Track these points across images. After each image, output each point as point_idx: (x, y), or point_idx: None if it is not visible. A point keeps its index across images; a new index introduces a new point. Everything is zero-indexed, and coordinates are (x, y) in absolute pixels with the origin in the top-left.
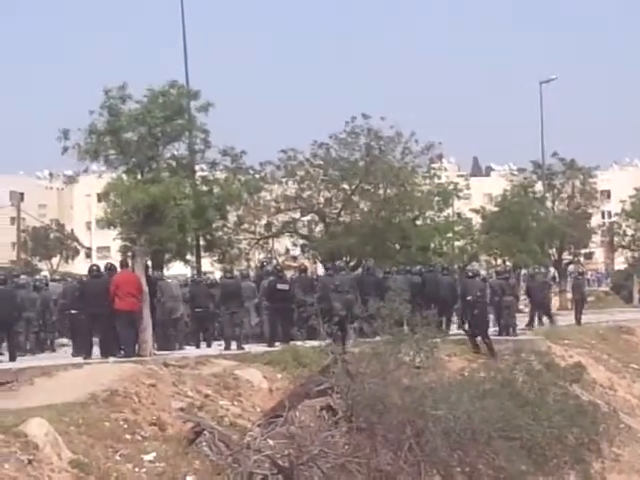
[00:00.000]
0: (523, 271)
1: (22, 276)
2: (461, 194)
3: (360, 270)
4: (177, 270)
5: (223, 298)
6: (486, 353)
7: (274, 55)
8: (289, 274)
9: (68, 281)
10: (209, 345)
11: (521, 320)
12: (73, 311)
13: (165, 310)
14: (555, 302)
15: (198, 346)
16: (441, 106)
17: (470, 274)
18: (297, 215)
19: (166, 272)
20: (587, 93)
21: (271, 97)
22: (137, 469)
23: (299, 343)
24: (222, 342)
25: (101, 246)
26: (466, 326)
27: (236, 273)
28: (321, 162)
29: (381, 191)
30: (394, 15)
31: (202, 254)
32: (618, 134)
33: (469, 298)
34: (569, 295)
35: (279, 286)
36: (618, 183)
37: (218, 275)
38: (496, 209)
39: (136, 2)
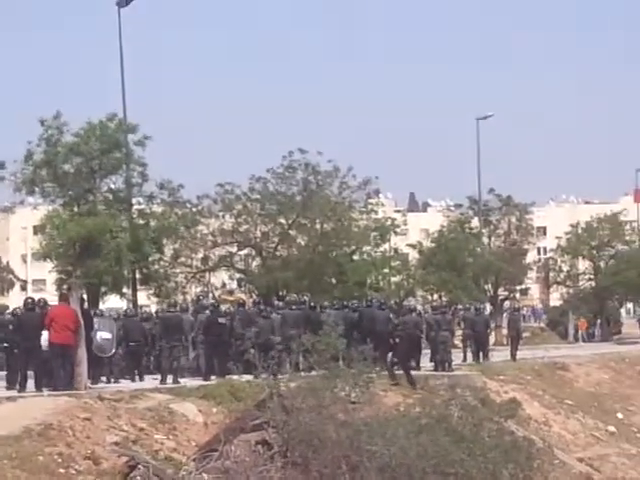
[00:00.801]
0: (459, 306)
1: None
2: (398, 229)
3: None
4: (113, 303)
5: (164, 331)
6: (422, 388)
7: (212, 91)
8: (225, 308)
9: (3, 314)
10: (142, 379)
11: (456, 355)
12: (6, 344)
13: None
14: (491, 338)
15: (133, 380)
16: (378, 141)
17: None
18: (234, 249)
19: (102, 305)
20: (524, 130)
21: (209, 131)
22: None
23: (235, 377)
24: (157, 375)
25: (37, 279)
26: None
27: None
28: (258, 196)
29: (318, 226)
30: (332, 47)
31: (138, 287)
32: (554, 171)
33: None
34: (504, 331)
35: (220, 320)
36: (554, 219)
37: (154, 309)
38: (433, 245)
39: (74, 39)
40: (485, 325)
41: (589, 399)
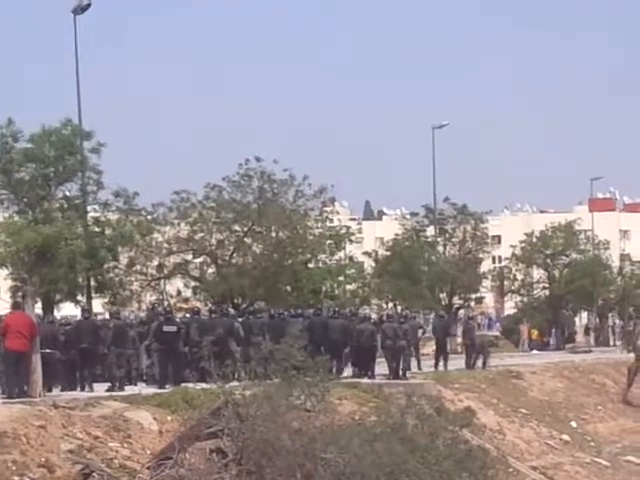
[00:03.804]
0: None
1: None
2: (353, 238)
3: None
4: (67, 311)
5: (113, 338)
6: (377, 396)
7: (167, 97)
8: (180, 316)
9: None
10: (91, 387)
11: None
12: None
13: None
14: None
15: (75, 387)
16: (333, 149)
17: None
18: (189, 257)
19: (57, 313)
20: (479, 140)
21: (165, 138)
22: None
23: (191, 385)
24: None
25: None
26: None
27: (126, 314)
28: (214, 204)
29: (273, 233)
30: (286, 53)
31: (93, 295)
32: (509, 180)
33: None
34: (459, 339)
35: (165, 328)
36: (509, 228)
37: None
38: (388, 253)
39: (30, 47)
40: (444, 331)
41: (543, 408)
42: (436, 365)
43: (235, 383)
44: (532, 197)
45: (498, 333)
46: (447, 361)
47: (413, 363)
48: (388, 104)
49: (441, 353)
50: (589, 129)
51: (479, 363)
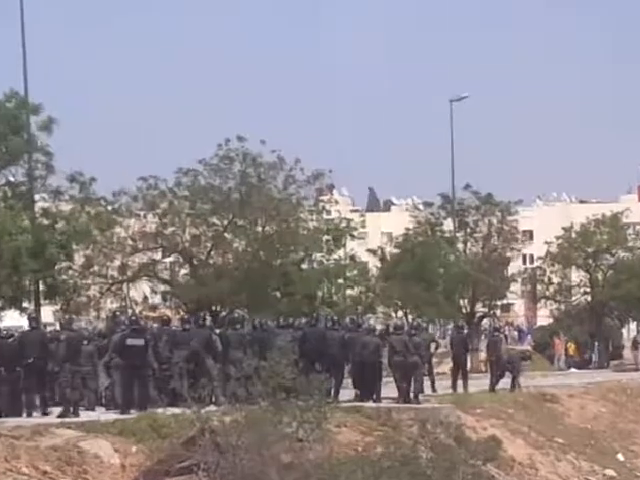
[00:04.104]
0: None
1: None
2: (355, 232)
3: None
4: (11, 321)
5: (66, 354)
6: (384, 423)
7: (131, 65)
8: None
9: None
10: (45, 411)
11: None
12: None
13: None
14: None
15: (29, 413)
16: (332, 128)
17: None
18: (158, 256)
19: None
20: (506, 117)
21: (128, 114)
22: None
23: (159, 410)
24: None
25: None
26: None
27: (82, 324)
28: (187, 192)
29: (259, 228)
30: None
31: (42, 302)
32: (542, 164)
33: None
34: (482, 355)
35: (129, 341)
36: (543, 222)
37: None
38: (397, 251)
39: None
40: (463, 346)
41: (583, 437)
42: (454, 386)
43: (213, 407)
44: (570, 184)
45: (529, 347)
46: (467, 381)
47: (426, 384)
48: (396, 72)
49: (460, 372)
50: (637, 105)
51: (504, 381)
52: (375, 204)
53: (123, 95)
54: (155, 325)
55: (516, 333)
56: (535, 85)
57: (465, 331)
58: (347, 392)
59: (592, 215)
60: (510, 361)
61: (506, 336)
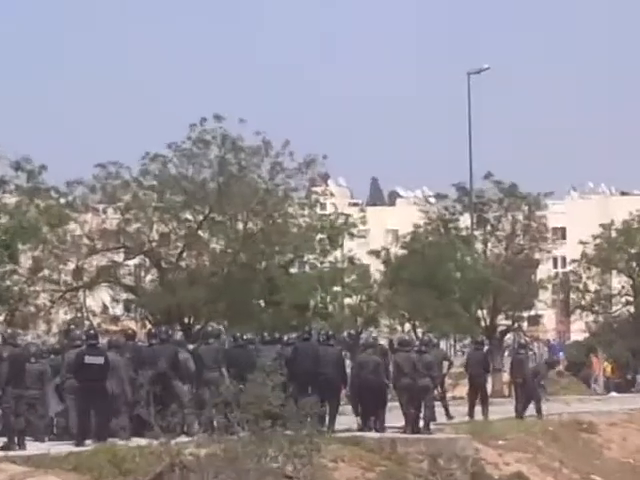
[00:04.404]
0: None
1: None
2: (354, 230)
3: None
4: None
5: (9, 374)
6: (388, 457)
7: (87, 35)
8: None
9: None
10: None
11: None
12: None
13: None
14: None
15: None
16: (326, 108)
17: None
18: (120, 258)
19: None
20: (533, 95)
21: (85, 90)
22: None
23: (121, 441)
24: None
25: None
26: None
27: (29, 339)
28: (155, 182)
29: (240, 224)
30: None
31: None
32: (577, 151)
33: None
34: (506, 376)
35: (87, 359)
36: (577, 217)
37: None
38: (404, 252)
39: None
40: (482, 366)
41: (625, 473)
42: (471, 413)
43: (184, 438)
44: (610, 174)
45: (561, 367)
46: (487, 407)
47: (439, 410)
48: (403, 43)
49: (478, 396)
50: None
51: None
52: (378, 197)
53: (78, 67)
54: (115, 339)
55: (545, 350)
56: (566, 56)
57: (485, 348)
58: (344, 419)
59: (636, 210)
60: (535, 372)
61: (534, 353)
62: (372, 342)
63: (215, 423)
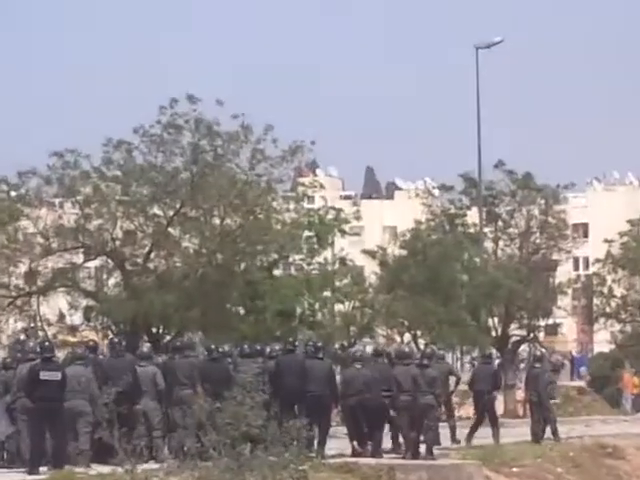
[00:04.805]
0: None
1: None
2: (347, 227)
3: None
4: None
5: None
6: None
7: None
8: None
9: None
10: None
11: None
12: None
13: None
14: (498, 404)
15: None
16: (314, 88)
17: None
18: (78, 259)
19: None
20: (551, 73)
21: (38, 72)
22: None
23: (80, 469)
24: None
25: None
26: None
27: None
28: (119, 173)
29: (216, 220)
30: None
31: None
32: (600, 137)
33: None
34: (520, 394)
35: (42, 375)
36: (601, 212)
37: None
38: (403, 252)
39: None
40: (492, 381)
41: None
42: (470, 435)
43: (153, 465)
44: (638, 162)
45: (584, 383)
46: (498, 429)
47: (444, 432)
48: (401, 14)
49: (484, 417)
50: None
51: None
52: (374, 188)
53: (28, 43)
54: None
55: (566, 363)
56: (587, 30)
57: (496, 362)
58: (336, 443)
59: None
60: (546, 383)
61: (553, 368)
62: (360, 355)
63: (187, 447)
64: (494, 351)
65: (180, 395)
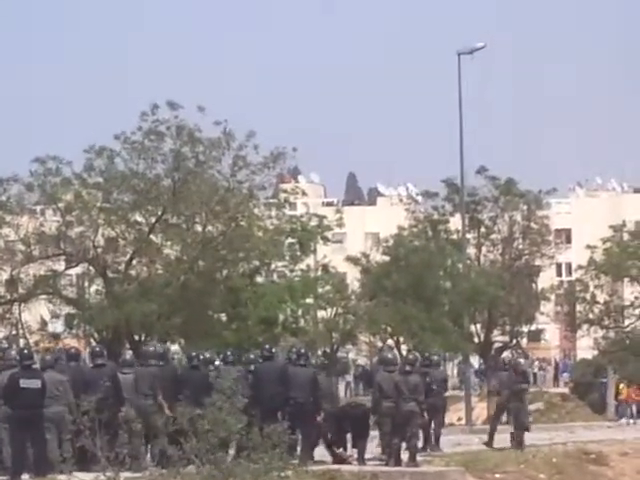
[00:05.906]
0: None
1: None
2: (329, 234)
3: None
4: None
5: None
6: None
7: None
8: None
9: None
10: None
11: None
12: None
13: None
14: (481, 410)
15: None
16: (297, 94)
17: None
18: (60, 266)
19: None
20: (532, 77)
21: (21, 75)
22: None
23: (62, 477)
24: None
25: None
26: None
27: None
28: (100, 180)
29: (198, 227)
30: None
31: None
32: (583, 142)
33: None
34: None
35: (23, 383)
36: (584, 218)
37: None
38: (386, 259)
39: None
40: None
41: None
42: (425, 443)
43: (137, 474)
44: (622, 168)
45: (567, 390)
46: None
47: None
48: (386, 19)
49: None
50: None
51: (534, 437)
52: (356, 195)
53: (16, 51)
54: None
55: (549, 369)
56: (569, 36)
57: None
58: (318, 450)
59: None
60: (516, 391)
61: (534, 374)
62: (322, 363)
63: (168, 454)
64: (477, 357)
65: (138, 405)
